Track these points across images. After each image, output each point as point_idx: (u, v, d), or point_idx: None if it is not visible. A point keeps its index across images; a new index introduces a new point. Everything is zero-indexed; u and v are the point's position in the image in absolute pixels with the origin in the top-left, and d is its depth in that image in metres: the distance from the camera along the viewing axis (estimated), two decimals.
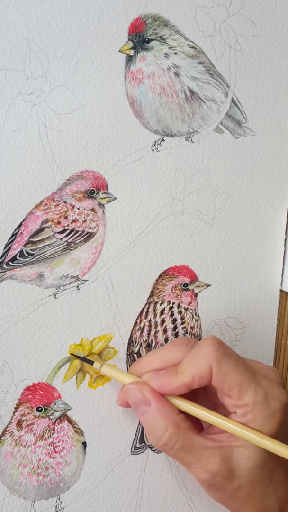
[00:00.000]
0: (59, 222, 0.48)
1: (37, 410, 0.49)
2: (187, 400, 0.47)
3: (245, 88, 0.52)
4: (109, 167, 0.49)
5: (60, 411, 0.50)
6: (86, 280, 0.50)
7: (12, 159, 0.47)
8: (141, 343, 0.52)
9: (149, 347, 0.52)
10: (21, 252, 0.48)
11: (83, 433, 0.51)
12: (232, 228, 0.54)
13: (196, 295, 0.53)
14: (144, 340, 0.52)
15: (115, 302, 0.51)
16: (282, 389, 0.46)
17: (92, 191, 0.49)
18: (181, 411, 0.47)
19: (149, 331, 0.52)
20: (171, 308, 0.53)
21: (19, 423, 0.49)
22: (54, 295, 0.49)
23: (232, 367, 0.45)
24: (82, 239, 0.49)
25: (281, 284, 0.56)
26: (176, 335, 0.53)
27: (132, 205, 0.50)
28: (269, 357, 0.57)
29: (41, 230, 0.48)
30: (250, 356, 0.56)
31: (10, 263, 0.48)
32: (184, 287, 0.53)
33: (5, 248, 0.47)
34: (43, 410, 0.49)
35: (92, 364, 0.49)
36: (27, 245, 0.48)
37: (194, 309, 0.54)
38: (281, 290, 0.56)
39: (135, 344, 0.52)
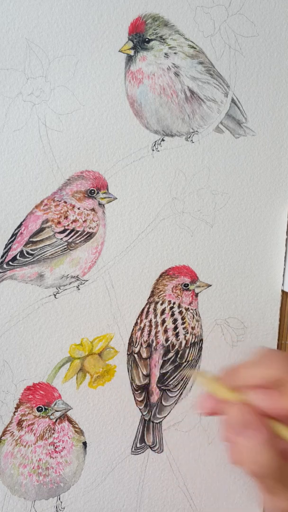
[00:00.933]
0: (59, 222, 0.48)
1: (38, 410, 0.49)
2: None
3: (245, 88, 0.52)
4: (109, 167, 0.49)
5: (60, 411, 0.50)
6: (86, 280, 0.50)
7: (12, 159, 0.47)
8: (141, 343, 0.52)
9: (149, 347, 0.52)
10: (21, 252, 0.48)
11: (83, 433, 0.51)
12: (233, 228, 0.54)
13: (196, 295, 0.53)
14: (145, 340, 0.52)
15: (116, 302, 0.51)
16: None
17: (92, 191, 0.49)
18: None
19: (150, 331, 0.52)
20: (171, 308, 0.53)
21: (19, 423, 0.49)
22: (54, 295, 0.49)
23: None
24: (82, 239, 0.49)
25: (283, 284, 0.56)
26: (176, 335, 0.53)
27: (132, 205, 0.50)
28: None
29: (41, 230, 0.48)
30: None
31: (10, 263, 0.48)
32: (184, 287, 0.53)
33: (5, 248, 0.48)
34: (43, 410, 0.49)
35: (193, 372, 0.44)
36: (27, 245, 0.48)
37: (195, 309, 0.53)
38: (282, 291, 0.56)
39: (135, 344, 0.52)
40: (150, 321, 0.52)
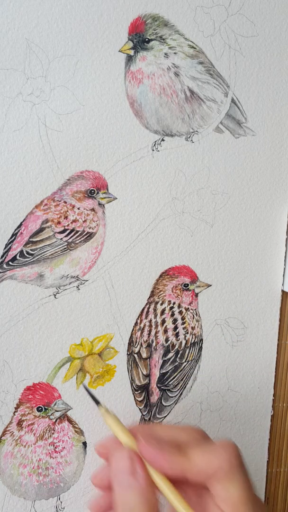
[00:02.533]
0: (59, 222, 0.48)
1: (38, 410, 0.49)
2: (175, 489, 0.40)
3: (245, 88, 0.52)
4: (109, 167, 0.49)
5: (60, 411, 0.50)
6: (86, 280, 0.50)
7: (12, 159, 0.47)
8: (141, 343, 0.52)
9: (149, 347, 0.52)
10: (21, 252, 0.48)
11: (83, 433, 0.51)
12: (233, 228, 0.54)
13: (196, 295, 0.53)
14: (145, 340, 0.52)
15: (115, 302, 0.51)
16: None
17: (92, 191, 0.49)
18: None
19: (150, 331, 0.52)
20: (171, 308, 0.53)
21: (19, 423, 0.49)
22: (54, 295, 0.49)
23: (240, 480, 0.40)
24: (82, 239, 0.49)
25: (283, 284, 0.56)
26: (176, 335, 0.53)
27: (132, 205, 0.50)
28: (271, 357, 0.57)
29: (41, 230, 0.48)
30: (251, 357, 0.56)
31: (10, 263, 0.48)
32: (184, 287, 0.53)
33: (5, 248, 0.48)
34: (43, 410, 0.49)
35: (97, 405, 0.43)
36: (27, 245, 0.48)
37: (195, 309, 0.53)
38: (282, 291, 0.56)
39: (135, 344, 0.52)
40: (150, 321, 0.52)
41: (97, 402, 0.43)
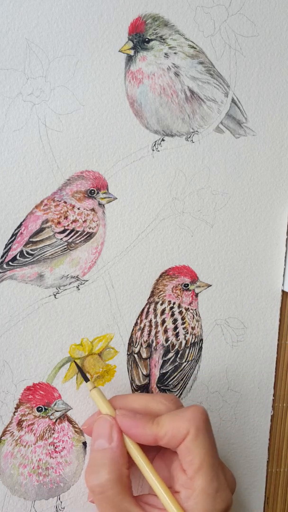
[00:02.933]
0: (59, 222, 0.48)
1: (38, 410, 0.49)
2: (145, 457, 0.45)
3: (245, 88, 0.52)
4: (109, 167, 0.49)
5: (60, 411, 0.50)
6: (86, 280, 0.50)
7: (12, 159, 0.47)
8: (141, 343, 0.52)
9: (149, 347, 0.52)
10: (21, 252, 0.48)
11: (83, 433, 0.51)
12: (233, 228, 0.54)
13: (196, 295, 0.53)
14: (145, 340, 0.52)
15: (115, 302, 0.51)
16: (231, 496, 0.44)
17: (92, 191, 0.49)
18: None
19: (150, 331, 0.52)
20: (171, 308, 0.53)
21: (19, 423, 0.49)
22: (54, 295, 0.49)
23: (205, 444, 0.43)
24: (82, 239, 0.49)
25: (283, 284, 0.56)
26: (176, 335, 0.53)
27: (132, 205, 0.50)
28: (271, 357, 0.57)
29: (41, 230, 0.48)
30: (251, 357, 0.56)
31: (10, 263, 0.48)
32: (184, 287, 0.53)
33: (5, 248, 0.48)
34: (43, 410, 0.49)
35: (86, 382, 0.48)
36: (27, 245, 0.48)
37: (195, 309, 0.53)
38: (282, 291, 0.56)
39: (135, 344, 0.52)
40: (150, 321, 0.52)
41: (86, 379, 0.48)
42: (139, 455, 0.45)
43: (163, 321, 0.52)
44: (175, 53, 0.49)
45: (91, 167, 0.49)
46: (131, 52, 0.48)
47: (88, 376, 0.50)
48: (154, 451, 0.48)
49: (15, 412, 0.49)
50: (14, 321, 0.48)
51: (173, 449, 0.45)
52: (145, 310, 0.52)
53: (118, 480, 0.43)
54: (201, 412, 0.44)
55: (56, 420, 0.50)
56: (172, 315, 0.53)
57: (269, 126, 0.53)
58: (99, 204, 0.49)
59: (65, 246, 0.49)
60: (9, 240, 0.47)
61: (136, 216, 0.51)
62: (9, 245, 0.47)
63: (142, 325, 0.52)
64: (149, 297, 0.52)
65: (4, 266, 0.48)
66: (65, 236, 0.49)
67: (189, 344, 0.53)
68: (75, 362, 0.50)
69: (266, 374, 0.57)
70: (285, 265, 0.56)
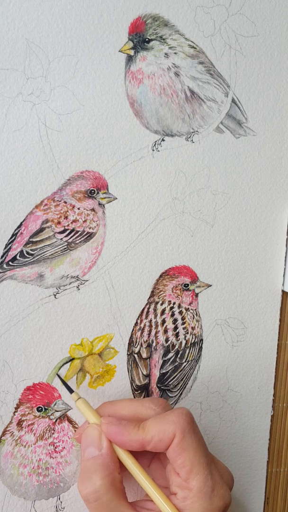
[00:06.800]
0: (59, 222, 0.48)
1: (38, 410, 0.49)
2: (137, 462, 0.46)
3: (245, 88, 0.52)
4: (109, 167, 0.49)
5: (60, 411, 0.50)
6: (87, 280, 0.50)
7: (12, 159, 0.47)
8: (141, 343, 0.52)
9: (149, 347, 0.52)
10: (21, 252, 0.48)
11: None
12: (233, 228, 0.54)
13: (197, 295, 0.53)
14: (145, 340, 0.52)
15: (116, 302, 0.51)
16: (229, 492, 0.44)
17: (92, 191, 0.49)
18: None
19: (150, 331, 0.52)
20: (171, 308, 0.53)
21: (19, 423, 0.49)
22: (54, 295, 0.49)
23: (193, 445, 0.43)
24: (82, 239, 0.49)
25: (283, 284, 0.56)
26: (176, 335, 0.53)
27: (133, 205, 0.50)
28: (271, 357, 0.57)
29: (41, 230, 0.48)
30: (251, 357, 0.56)
31: (10, 263, 0.48)
32: (184, 287, 0.53)
33: (5, 248, 0.48)
34: (43, 410, 0.49)
35: (71, 393, 0.49)
36: (27, 245, 0.48)
37: (195, 309, 0.53)
38: (282, 291, 0.56)
39: (135, 344, 0.52)
40: (150, 321, 0.52)
41: (70, 390, 0.49)
42: (130, 459, 0.45)
43: (163, 321, 0.52)
44: (175, 53, 0.49)
45: (91, 167, 0.49)
46: (131, 52, 0.48)
47: (74, 388, 0.50)
48: (150, 455, 0.49)
49: (15, 412, 0.49)
50: (14, 321, 0.48)
51: (163, 452, 0.45)
52: (145, 310, 0.52)
53: (111, 485, 0.43)
54: (185, 413, 0.44)
55: (56, 420, 0.50)
56: (172, 315, 0.53)
57: (269, 126, 0.53)
58: (99, 204, 0.49)
59: (65, 246, 0.49)
60: (9, 240, 0.47)
61: (136, 216, 0.51)
62: (9, 245, 0.47)
63: (142, 325, 0.52)
64: (149, 297, 0.52)
65: (4, 266, 0.48)
66: (65, 236, 0.49)
67: (189, 344, 0.53)
68: (58, 375, 0.49)
69: (266, 374, 0.57)
70: (285, 265, 0.56)
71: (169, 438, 0.43)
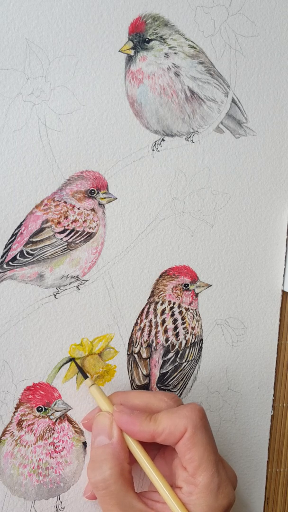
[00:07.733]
0: (59, 222, 0.48)
1: (38, 410, 0.49)
2: (146, 453, 0.46)
3: (245, 88, 0.52)
4: (109, 167, 0.49)
5: (60, 411, 0.50)
6: (87, 280, 0.50)
7: (12, 159, 0.47)
8: (141, 343, 0.52)
9: (149, 347, 0.52)
10: (21, 252, 0.48)
11: (83, 433, 0.51)
12: (233, 228, 0.54)
13: (197, 295, 0.53)
14: (145, 340, 0.52)
15: (116, 302, 0.51)
16: (233, 491, 0.45)
17: (92, 191, 0.49)
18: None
19: (150, 331, 0.52)
20: (171, 308, 0.53)
21: (19, 423, 0.49)
22: (54, 295, 0.49)
23: (203, 441, 0.44)
24: (82, 239, 0.49)
25: (283, 284, 0.56)
26: (176, 335, 0.53)
27: (133, 205, 0.50)
28: (271, 357, 0.57)
29: (41, 230, 0.48)
30: (251, 357, 0.56)
31: (10, 263, 0.48)
32: (184, 287, 0.53)
33: (5, 248, 0.48)
34: (43, 410, 0.49)
35: (85, 378, 0.49)
36: (27, 245, 0.48)
37: (195, 309, 0.53)
38: (282, 291, 0.56)
39: (135, 344, 0.52)
40: (150, 321, 0.52)
41: (85, 376, 0.49)
42: (139, 450, 0.46)
43: (163, 321, 0.52)
44: (175, 53, 0.49)
45: (91, 167, 0.49)
46: (131, 52, 0.48)
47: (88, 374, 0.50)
48: (155, 450, 0.49)
49: (15, 412, 0.49)
50: (14, 321, 0.48)
51: (172, 446, 0.45)
52: (145, 310, 0.52)
53: (120, 474, 0.44)
54: (198, 409, 0.45)
55: (56, 420, 0.50)
56: (172, 315, 0.53)
57: (269, 126, 0.53)
58: (99, 204, 0.49)
59: (65, 246, 0.49)
60: (9, 240, 0.47)
61: (136, 216, 0.51)
62: (9, 245, 0.47)
63: (142, 325, 0.52)
64: (149, 297, 0.52)
65: (4, 266, 0.48)
66: (65, 236, 0.49)
67: (189, 344, 0.53)
68: (74, 360, 0.50)
69: (266, 374, 0.57)
70: (285, 265, 0.56)
71: (181, 432, 0.44)
